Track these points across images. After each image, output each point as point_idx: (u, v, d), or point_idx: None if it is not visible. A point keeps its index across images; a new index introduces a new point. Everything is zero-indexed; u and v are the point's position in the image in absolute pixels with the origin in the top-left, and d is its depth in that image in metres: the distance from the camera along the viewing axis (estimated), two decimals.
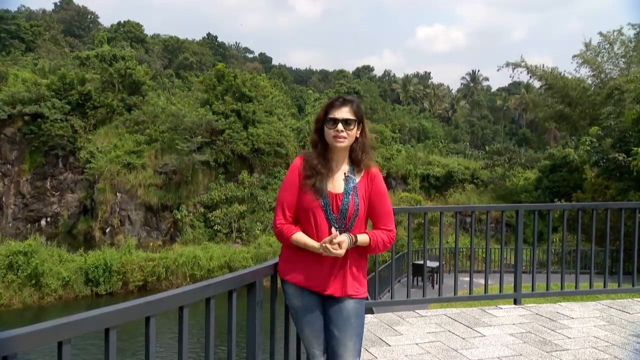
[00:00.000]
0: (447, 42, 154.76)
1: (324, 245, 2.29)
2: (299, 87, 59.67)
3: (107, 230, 29.34)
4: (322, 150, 2.44)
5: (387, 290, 10.31)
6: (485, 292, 5.06)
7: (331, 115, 2.39)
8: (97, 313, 1.58)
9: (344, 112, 2.38)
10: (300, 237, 2.39)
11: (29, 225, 31.94)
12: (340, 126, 2.36)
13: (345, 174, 2.43)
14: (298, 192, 2.41)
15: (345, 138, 2.37)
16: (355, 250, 2.41)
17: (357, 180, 2.43)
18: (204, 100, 32.60)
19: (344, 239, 2.31)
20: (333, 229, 2.34)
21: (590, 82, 30.18)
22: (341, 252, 2.29)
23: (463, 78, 75.00)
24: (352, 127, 2.39)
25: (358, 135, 2.44)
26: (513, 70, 32.04)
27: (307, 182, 2.39)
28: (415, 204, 26.75)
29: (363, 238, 2.38)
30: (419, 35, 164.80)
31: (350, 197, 2.38)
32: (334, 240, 2.28)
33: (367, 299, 2.49)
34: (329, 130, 2.39)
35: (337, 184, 2.41)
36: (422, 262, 14.53)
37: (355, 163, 2.45)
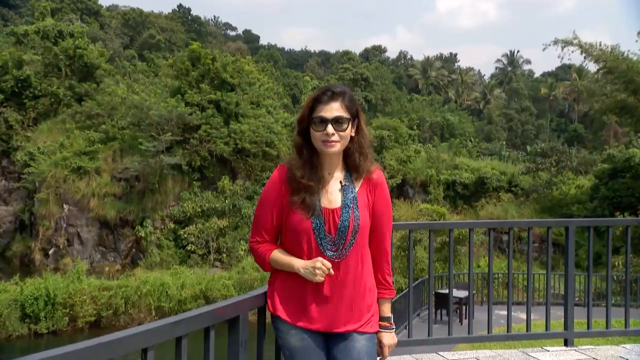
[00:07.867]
0: (476, 17, 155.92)
1: (314, 265, 2.30)
2: (293, 72, 59.96)
3: (51, 252, 29.27)
4: (309, 156, 2.39)
5: (403, 326, 10.27)
6: (527, 330, 5.05)
7: (318, 114, 2.34)
8: (35, 359, 1.56)
9: (334, 109, 2.34)
10: (279, 255, 2.41)
11: None
12: (330, 128, 2.32)
13: (341, 182, 2.41)
14: (278, 211, 2.42)
15: (337, 142, 2.34)
16: (365, 271, 2.42)
17: (357, 188, 2.42)
18: (175, 88, 32.70)
19: (392, 341, 2.54)
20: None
21: None
22: (320, 278, 2.31)
23: (498, 61, 75.64)
24: (345, 126, 2.34)
25: (353, 134, 2.41)
26: (563, 50, 32.03)
27: (294, 199, 2.36)
28: (438, 218, 26.72)
29: (387, 308, 2.55)
30: (440, 8, 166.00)
31: (350, 210, 2.37)
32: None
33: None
34: (316, 132, 2.35)
35: (332, 196, 2.39)
36: (447, 291, 14.49)
37: (353, 169, 2.43)
